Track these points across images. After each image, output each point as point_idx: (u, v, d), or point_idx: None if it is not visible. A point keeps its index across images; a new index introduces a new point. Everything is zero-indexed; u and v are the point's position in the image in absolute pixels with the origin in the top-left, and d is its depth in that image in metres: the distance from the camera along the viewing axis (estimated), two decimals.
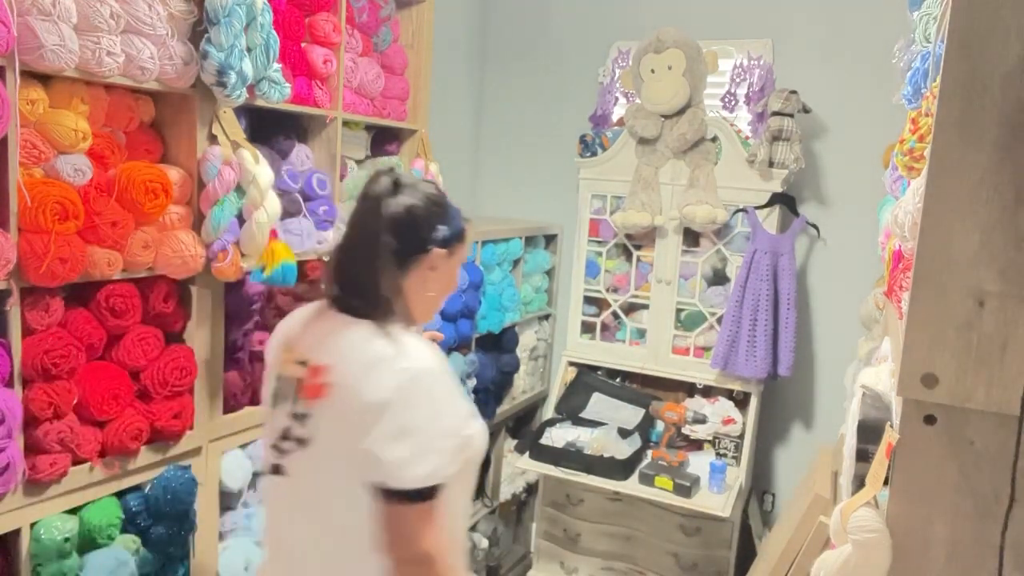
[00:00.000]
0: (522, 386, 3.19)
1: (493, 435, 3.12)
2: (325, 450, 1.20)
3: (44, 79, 1.31)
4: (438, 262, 1.27)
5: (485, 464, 3.11)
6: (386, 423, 1.13)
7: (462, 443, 1.21)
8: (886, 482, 0.98)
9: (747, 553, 2.74)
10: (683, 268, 2.86)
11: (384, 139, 2.32)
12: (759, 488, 3.15)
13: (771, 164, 2.68)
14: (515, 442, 3.27)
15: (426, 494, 1.14)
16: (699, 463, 2.73)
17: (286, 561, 1.30)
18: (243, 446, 1.84)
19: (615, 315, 3.02)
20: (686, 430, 2.83)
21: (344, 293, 1.27)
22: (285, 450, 1.24)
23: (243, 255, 1.62)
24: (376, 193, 1.24)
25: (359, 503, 1.17)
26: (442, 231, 1.27)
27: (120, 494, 1.55)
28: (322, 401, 1.19)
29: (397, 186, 1.25)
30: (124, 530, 1.53)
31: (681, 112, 2.73)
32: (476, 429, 1.25)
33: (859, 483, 1.09)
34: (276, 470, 1.26)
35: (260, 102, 1.68)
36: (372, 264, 1.22)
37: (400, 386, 1.14)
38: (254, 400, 1.85)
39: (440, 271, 1.29)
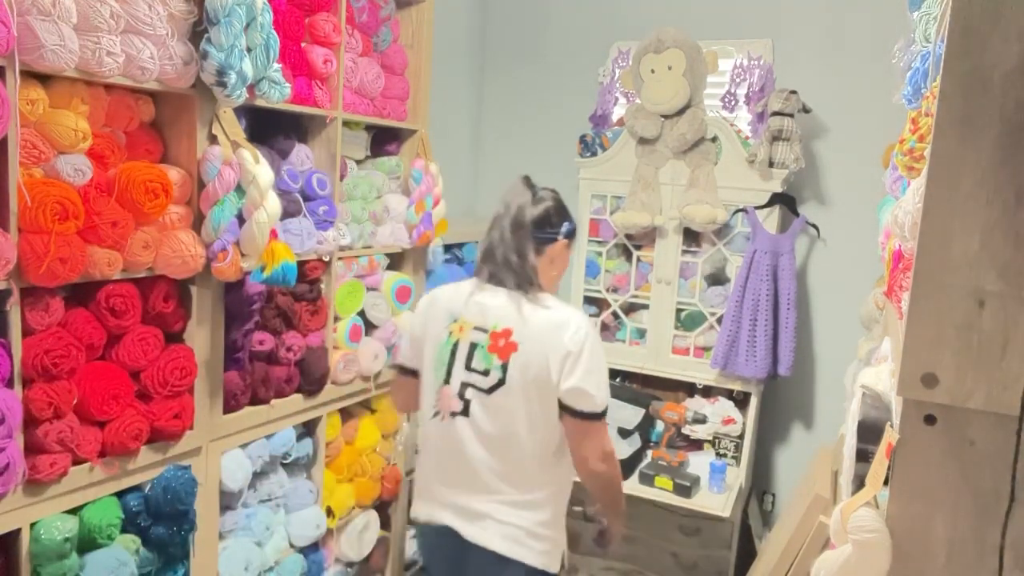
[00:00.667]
0: None
1: None
2: (515, 391, 1.64)
3: (44, 79, 1.31)
4: (561, 249, 1.76)
5: None
6: (582, 366, 1.62)
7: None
8: (886, 482, 0.98)
9: (747, 553, 2.74)
10: (683, 268, 2.86)
11: (384, 139, 2.32)
12: (759, 488, 3.15)
13: (771, 164, 2.68)
14: None
15: (606, 413, 1.68)
16: (699, 463, 2.73)
17: (467, 482, 1.71)
18: (243, 446, 1.84)
19: (615, 315, 3.02)
20: (686, 430, 2.83)
21: (499, 273, 1.71)
22: (469, 398, 1.68)
23: (243, 255, 1.62)
24: (520, 199, 1.75)
25: (540, 427, 1.66)
26: (566, 227, 1.77)
27: (120, 494, 1.55)
28: (514, 355, 1.65)
29: (535, 194, 1.77)
30: (124, 530, 1.53)
31: (681, 112, 2.73)
32: None
33: (859, 483, 1.09)
34: (464, 412, 1.69)
35: (260, 102, 1.68)
36: (523, 251, 1.70)
37: (583, 337, 1.63)
38: (254, 400, 1.85)
39: (562, 256, 1.77)
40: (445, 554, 1.76)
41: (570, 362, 1.62)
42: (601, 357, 1.68)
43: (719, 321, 2.79)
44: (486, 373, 1.67)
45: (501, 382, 1.66)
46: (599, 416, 1.66)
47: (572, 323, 1.65)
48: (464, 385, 1.69)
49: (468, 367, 1.69)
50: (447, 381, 1.71)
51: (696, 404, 2.89)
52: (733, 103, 2.93)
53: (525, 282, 1.70)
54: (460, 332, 1.71)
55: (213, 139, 1.58)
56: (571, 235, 1.79)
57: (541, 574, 1.73)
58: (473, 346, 1.69)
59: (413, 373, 1.84)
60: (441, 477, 1.75)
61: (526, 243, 1.71)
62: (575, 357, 1.62)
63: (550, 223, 1.74)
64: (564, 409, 1.65)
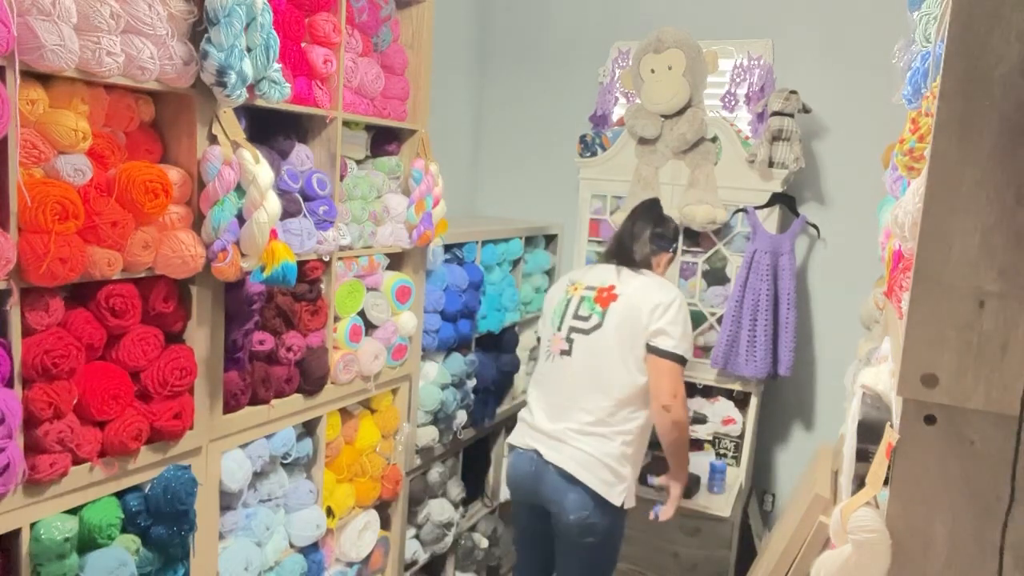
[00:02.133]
0: (522, 386, 3.19)
1: (493, 435, 3.12)
2: (610, 332, 2.07)
3: (44, 79, 1.31)
4: (667, 256, 2.33)
5: (485, 464, 3.11)
6: (669, 316, 2.05)
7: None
8: (886, 482, 0.98)
9: (747, 553, 2.74)
10: (683, 268, 2.86)
11: (384, 139, 2.32)
12: (759, 488, 3.15)
13: (771, 164, 2.68)
14: None
15: (685, 360, 2.08)
16: (699, 463, 2.73)
17: (557, 411, 2.10)
18: (243, 446, 1.84)
19: None
20: None
21: (615, 253, 2.26)
22: (573, 339, 2.12)
23: (243, 255, 1.62)
24: (648, 214, 2.30)
25: (628, 366, 2.05)
26: (672, 243, 2.33)
27: (120, 494, 1.55)
28: (613, 304, 2.10)
29: (659, 212, 2.33)
30: (124, 530, 1.53)
31: (681, 112, 2.73)
32: None
33: (859, 483, 1.09)
34: (568, 352, 2.12)
35: (260, 102, 1.68)
36: (643, 246, 2.25)
37: (675, 297, 2.10)
38: (254, 400, 1.85)
39: (666, 262, 2.33)
40: (526, 470, 2.12)
41: (660, 311, 2.04)
42: (687, 317, 2.10)
43: (719, 321, 2.79)
44: (588, 318, 2.11)
45: (599, 325, 2.09)
46: (677, 358, 2.04)
47: (667, 286, 2.14)
48: (571, 330, 2.14)
49: (576, 315, 2.15)
50: (559, 328, 2.17)
51: (696, 404, 2.89)
52: (733, 103, 2.93)
53: (632, 261, 2.21)
54: (574, 291, 2.21)
55: (213, 139, 1.58)
56: (673, 248, 2.37)
57: (603, 501, 2.02)
58: (582, 299, 2.17)
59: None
60: (539, 408, 2.15)
61: (646, 243, 2.25)
62: (664, 307, 2.05)
63: (666, 237, 2.30)
64: (649, 349, 2.04)
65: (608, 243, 2.35)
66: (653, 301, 2.05)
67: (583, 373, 2.08)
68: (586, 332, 2.12)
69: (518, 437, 2.21)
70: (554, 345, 2.18)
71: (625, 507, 2.10)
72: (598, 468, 2.02)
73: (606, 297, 2.12)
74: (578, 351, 2.11)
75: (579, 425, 2.06)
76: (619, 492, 2.06)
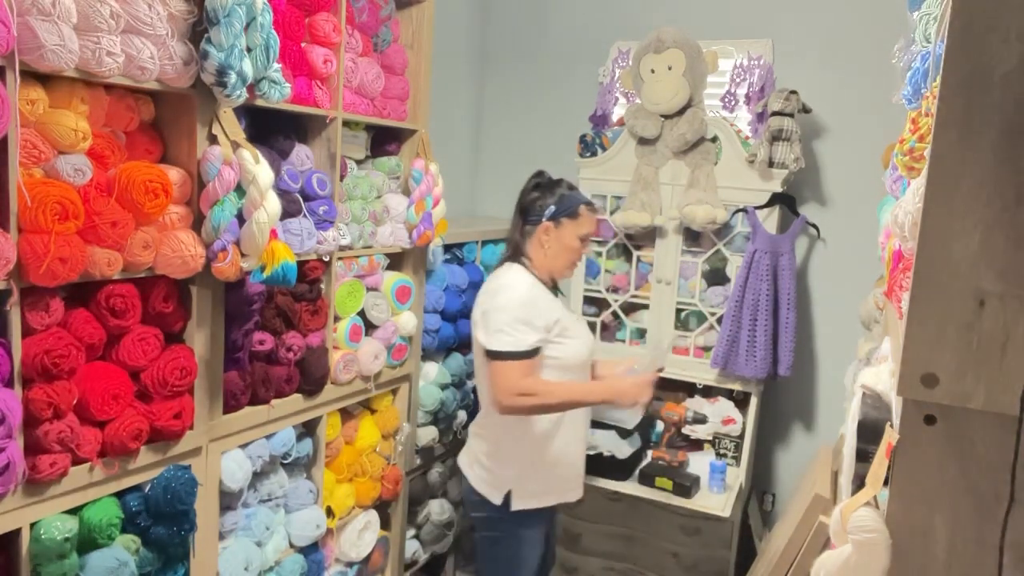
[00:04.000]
0: None
1: None
2: (475, 342, 2.04)
3: (44, 79, 1.31)
4: (543, 227, 2.05)
5: None
6: (481, 311, 2.00)
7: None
8: (886, 482, 0.98)
9: (747, 553, 2.74)
10: (683, 268, 2.86)
11: (384, 139, 2.32)
12: (759, 488, 3.15)
13: (771, 164, 2.68)
14: None
15: (499, 353, 1.92)
16: (699, 463, 2.73)
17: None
18: (243, 446, 1.84)
19: (615, 315, 3.02)
20: (686, 430, 2.83)
21: (510, 252, 2.10)
22: None
23: (243, 255, 1.62)
24: (521, 196, 2.11)
25: (479, 373, 2.07)
26: (546, 210, 2.05)
27: (120, 494, 1.55)
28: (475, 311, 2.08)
29: (530, 185, 2.12)
30: (124, 530, 1.53)
31: (681, 112, 2.73)
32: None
33: (859, 483, 1.09)
34: None
35: (260, 102, 1.68)
36: (516, 231, 2.10)
37: (497, 289, 2.01)
38: (254, 400, 1.85)
39: (546, 231, 2.05)
40: None
41: (479, 311, 2.00)
42: (506, 305, 1.94)
43: (719, 321, 2.79)
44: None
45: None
46: (492, 355, 1.92)
47: (497, 279, 2.03)
48: None
49: None
50: None
51: (696, 404, 2.89)
52: (733, 103, 2.92)
53: (516, 252, 2.08)
54: None
55: (213, 139, 1.58)
56: (554, 217, 2.05)
57: (482, 497, 2.06)
58: None
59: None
60: None
61: (517, 225, 2.10)
62: (482, 305, 2.00)
63: (535, 208, 2.07)
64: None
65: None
66: (481, 302, 2.02)
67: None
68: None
69: None
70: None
71: (512, 508, 2.03)
72: (474, 465, 2.10)
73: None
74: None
75: (473, 425, 2.19)
76: (498, 491, 2.03)
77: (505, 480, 2.03)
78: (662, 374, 2.16)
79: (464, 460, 2.15)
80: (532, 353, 1.92)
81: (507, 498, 2.02)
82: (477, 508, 2.09)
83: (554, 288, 2.13)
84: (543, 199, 2.05)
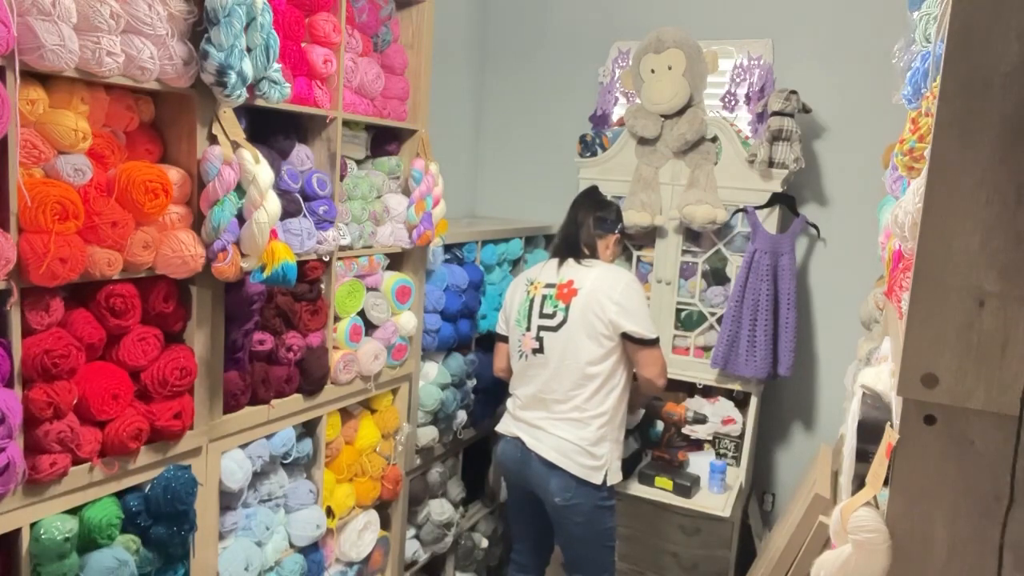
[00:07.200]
0: None
1: (493, 435, 3.12)
2: (576, 328, 2.20)
3: (44, 79, 1.31)
4: (613, 238, 2.44)
5: (485, 464, 3.11)
6: (631, 306, 2.20)
7: None
8: (886, 482, 0.98)
9: (747, 553, 2.74)
10: (683, 268, 2.86)
11: (384, 139, 2.32)
12: (759, 488, 3.15)
13: (771, 164, 2.68)
14: None
15: (659, 339, 2.26)
16: (699, 463, 2.73)
17: (534, 403, 2.28)
18: (243, 446, 1.84)
19: None
20: (686, 430, 2.83)
21: (569, 248, 2.37)
22: (543, 337, 2.26)
23: (243, 255, 1.62)
24: (588, 200, 2.45)
25: (595, 355, 2.19)
26: (616, 225, 2.45)
27: (120, 494, 1.55)
28: (574, 299, 2.23)
29: (598, 198, 2.47)
30: (124, 530, 1.53)
31: (681, 112, 2.73)
32: None
33: (859, 483, 1.09)
34: (538, 351, 2.27)
35: (260, 102, 1.68)
36: (587, 232, 2.40)
37: (628, 283, 2.25)
38: (254, 400, 1.85)
39: (613, 243, 2.45)
40: (513, 456, 2.30)
41: (622, 305, 2.18)
42: (642, 298, 2.26)
43: (719, 321, 2.79)
44: (553, 316, 2.25)
45: (564, 321, 2.22)
46: (654, 343, 2.22)
47: (619, 274, 2.28)
48: (540, 329, 2.27)
49: (542, 314, 2.28)
50: (528, 328, 2.30)
51: (696, 404, 2.89)
52: (733, 103, 2.93)
53: (579, 251, 2.35)
54: (535, 290, 2.33)
55: (213, 139, 1.58)
56: (621, 231, 2.48)
57: (584, 483, 2.16)
58: (544, 298, 2.29)
59: (505, 339, 2.44)
60: (520, 400, 2.33)
61: (588, 228, 2.39)
62: (624, 300, 2.19)
63: (609, 219, 2.43)
64: (625, 337, 2.19)
65: (556, 237, 2.46)
66: (612, 296, 2.19)
67: (557, 367, 2.22)
68: (554, 329, 2.24)
69: (504, 425, 2.38)
70: (525, 345, 2.30)
71: (608, 484, 2.22)
72: (576, 454, 2.17)
73: (567, 293, 2.25)
74: (549, 348, 2.24)
75: (557, 414, 2.22)
76: (599, 473, 2.19)
77: (605, 459, 2.21)
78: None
79: (559, 454, 2.19)
80: None
81: (605, 476, 2.20)
82: (579, 496, 2.18)
83: None
84: (611, 213, 2.42)
